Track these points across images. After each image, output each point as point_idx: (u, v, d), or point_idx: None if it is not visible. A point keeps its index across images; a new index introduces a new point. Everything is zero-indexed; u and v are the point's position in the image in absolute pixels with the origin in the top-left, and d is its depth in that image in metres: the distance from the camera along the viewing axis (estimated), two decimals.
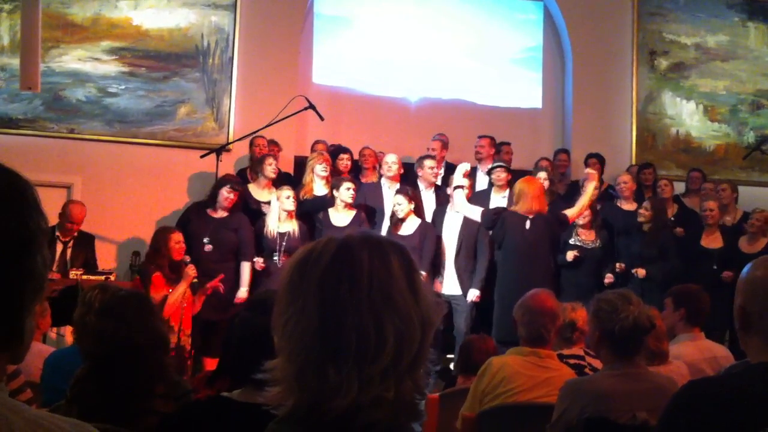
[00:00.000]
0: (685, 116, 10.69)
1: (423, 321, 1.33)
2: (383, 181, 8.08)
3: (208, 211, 7.35)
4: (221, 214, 7.30)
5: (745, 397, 1.88)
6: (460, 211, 7.28)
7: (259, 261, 7.18)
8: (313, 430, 1.29)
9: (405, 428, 1.34)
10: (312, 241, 1.42)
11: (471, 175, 8.11)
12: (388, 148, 8.67)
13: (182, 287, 6.35)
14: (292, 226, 7.23)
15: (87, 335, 2.93)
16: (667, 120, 10.65)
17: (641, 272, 7.45)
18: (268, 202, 7.54)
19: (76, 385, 2.89)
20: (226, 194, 7.25)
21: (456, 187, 7.22)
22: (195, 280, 6.49)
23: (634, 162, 10.10)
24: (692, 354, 4.46)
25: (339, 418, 1.27)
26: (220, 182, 7.38)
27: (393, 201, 7.34)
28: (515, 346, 4.08)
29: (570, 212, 7.14)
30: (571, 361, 4.25)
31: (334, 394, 1.26)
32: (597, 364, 4.06)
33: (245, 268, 7.23)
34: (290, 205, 7.21)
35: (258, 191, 7.89)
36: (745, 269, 2.08)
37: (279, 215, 7.24)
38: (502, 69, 10.57)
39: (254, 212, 7.60)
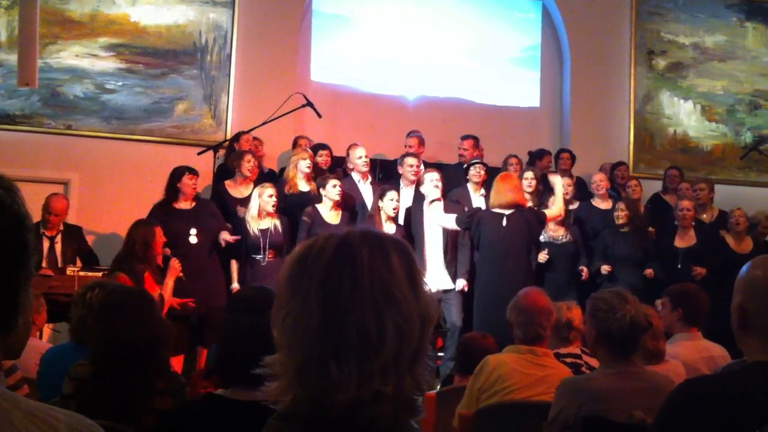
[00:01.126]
0: (683, 116, 10.71)
1: (422, 317, 1.34)
2: (355, 176, 8.02)
3: (175, 205, 7.18)
4: (189, 204, 7.18)
5: (742, 396, 1.89)
6: (439, 224, 7.26)
7: (225, 235, 7.04)
8: (315, 425, 1.30)
9: (405, 424, 1.34)
10: (311, 238, 1.43)
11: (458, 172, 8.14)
12: (385, 147, 8.68)
13: (171, 282, 6.22)
14: (273, 222, 7.09)
15: (89, 335, 2.93)
16: (665, 120, 10.67)
17: (651, 274, 7.50)
18: (244, 199, 7.41)
19: (74, 382, 2.88)
20: (188, 181, 7.12)
21: (432, 201, 7.23)
22: (181, 275, 6.35)
23: (631, 161, 10.11)
24: (689, 353, 4.46)
25: (340, 413, 1.27)
26: (177, 173, 7.21)
27: (389, 197, 7.25)
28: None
29: (549, 212, 7.15)
30: (568, 360, 4.25)
31: (335, 390, 1.27)
32: (594, 362, 4.06)
33: (234, 265, 7.16)
34: (271, 205, 7.05)
35: (234, 188, 7.67)
36: (744, 268, 2.08)
37: (258, 212, 7.07)
38: (501, 68, 10.58)
39: (230, 211, 7.46)
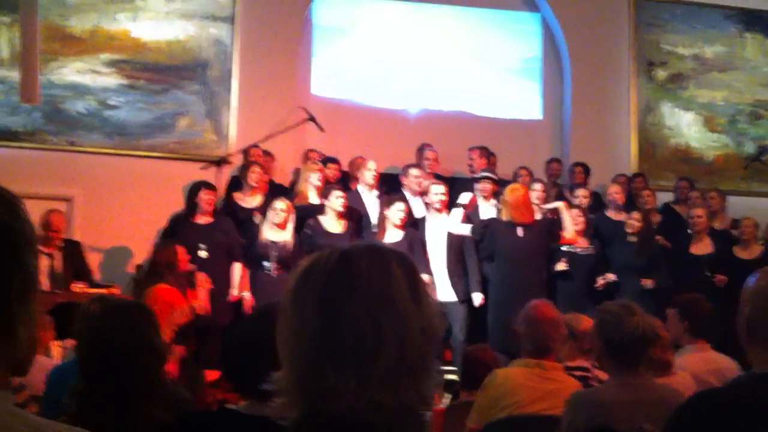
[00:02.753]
0: (684, 127, 10.72)
1: (425, 328, 1.33)
2: (361, 187, 8.08)
3: (193, 219, 7.32)
4: (206, 219, 7.30)
5: (751, 408, 1.87)
6: (454, 228, 7.28)
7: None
8: None
9: None
10: (316, 251, 1.43)
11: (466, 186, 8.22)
12: (387, 160, 8.69)
13: (204, 293, 6.33)
14: (285, 236, 7.18)
15: (83, 345, 2.93)
16: (666, 131, 10.67)
17: (649, 284, 7.46)
18: (256, 209, 7.53)
19: (74, 398, 2.88)
20: (204, 196, 7.26)
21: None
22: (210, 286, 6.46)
23: (633, 172, 10.11)
24: (697, 365, 4.45)
25: (339, 421, 1.27)
26: (194, 188, 7.38)
27: (396, 207, 7.30)
28: (510, 355, 4.08)
29: (565, 236, 7.19)
30: (577, 373, 4.24)
31: (333, 397, 1.27)
32: (603, 375, 4.05)
33: (236, 270, 7.25)
34: (280, 218, 7.15)
35: (242, 197, 7.87)
36: (750, 279, 2.07)
37: (278, 224, 7.21)
38: (502, 80, 10.59)
39: (241, 220, 7.58)
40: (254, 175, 7.80)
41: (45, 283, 6.98)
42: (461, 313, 7.28)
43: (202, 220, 7.31)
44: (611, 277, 7.56)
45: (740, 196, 9.30)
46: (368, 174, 8.04)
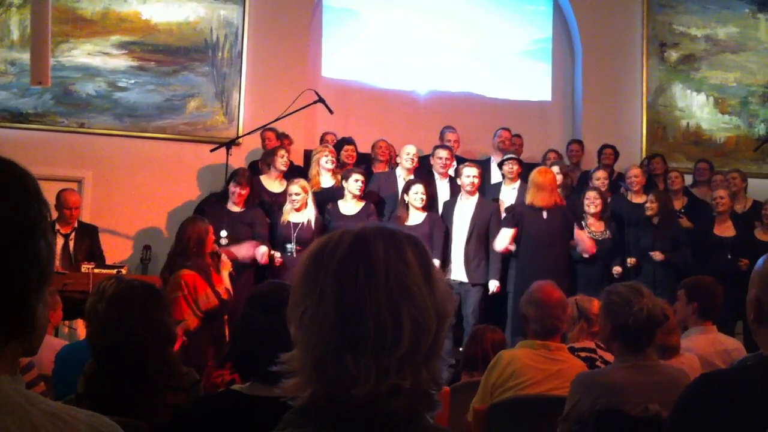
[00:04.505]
0: (696, 108, 10.66)
1: (438, 311, 1.34)
2: (399, 171, 8.10)
3: (224, 204, 7.38)
4: (238, 207, 7.34)
5: (758, 390, 1.87)
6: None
7: (268, 253, 7.14)
8: (332, 419, 1.30)
9: (422, 418, 1.35)
10: (325, 234, 1.43)
11: (484, 167, 8.20)
12: (397, 142, 8.68)
13: (226, 275, 6.22)
14: (306, 217, 7.25)
15: (94, 323, 2.95)
16: (678, 112, 10.62)
17: (658, 256, 7.43)
18: (280, 193, 7.58)
19: (86, 379, 2.90)
20: (233, 189, 7.30)
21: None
22: (232, 271, 6.42)
23: (644, 154, 10.08)
24: (704, 347, 4.44)
25: (358, 407, 1.28)
26: (230, 178, 7.44)
27: (414, 189, 7.32)
28: None
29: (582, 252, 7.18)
30: (583, 354, 4.24)
31: (352, 384, 1.28)
32: (609, 357, 4.06)
33: (261, 248, 7.14)
34: (298, 202, 7.21)
35: (270, 182, 7.93)
36: (761, 261, 2.06)
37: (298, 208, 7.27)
38: (512, 61, 10.56)
39: (267, 203, 7.64)
40: (282, 160, 7.88)
41: (57, 263, 7.02)
42: (475, 297, 7.29)
43: (234, 207, 7.35)
44: (631, 261, 7.53)
45: (751, 178, 9.23)
46: (406, 158, 8.02)
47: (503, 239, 7.14)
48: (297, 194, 7.21)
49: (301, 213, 7.26)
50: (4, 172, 1.20)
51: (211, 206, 7.47)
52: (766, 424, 1.76)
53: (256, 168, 8.32)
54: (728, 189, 8.30)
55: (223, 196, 7.52)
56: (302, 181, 7.35)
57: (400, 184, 7.90)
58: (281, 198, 7.55)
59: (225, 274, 6.23)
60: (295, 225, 7.22)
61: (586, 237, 7.16)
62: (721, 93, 10.72)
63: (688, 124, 10.62)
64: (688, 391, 2.01)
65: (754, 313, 2.03)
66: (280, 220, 7.28)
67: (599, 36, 10.48)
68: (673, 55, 10.68)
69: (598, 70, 10.42)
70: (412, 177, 7.87)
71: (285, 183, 7.62)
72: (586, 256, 7.26)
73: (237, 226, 7.20)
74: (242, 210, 7.34)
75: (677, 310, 4.52)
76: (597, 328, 4.36)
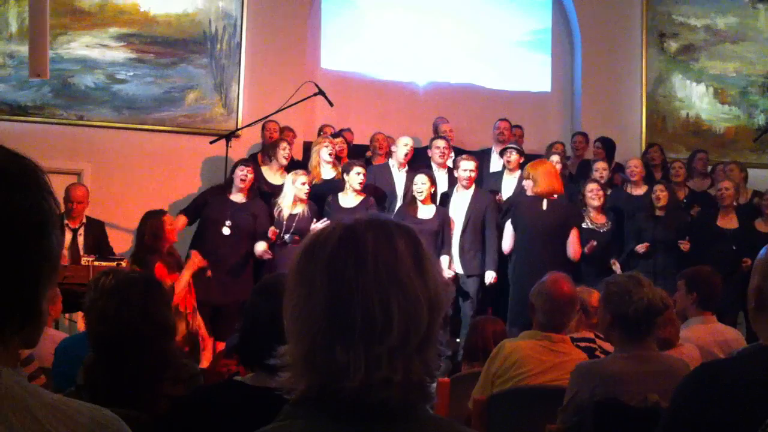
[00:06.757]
0: (695, 99, 10.65)
1: (431, 302, 1.33)
2: (392, 162, 8.09)
3: (227, 194, 7.37)
4: (240, 198, 7.32)
5: (758, 380, 1.87)
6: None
7: (267, 247, 7.13)
8: (326, 410, 1.30)
9: (416, 409, 1.34)
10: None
11: (483, 158, 8.22)
12: (396, 133, 8.67)
13: (187, 275, 6.07)
14: (302, 208, 7.26)
15: (92, 316, 2.95)
16: (677, 102, 10.61)
17: (641, 248, 7.46)
18: (281, 186, 7.57)
19: (86, 371, 2.90)
20: (239, 173, 7.28)
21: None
22: (204, 265, 6.35)
23: (643, 144, 10.07)
24: (703, 337, 4.45)
25: (350, 398, 1.28)
26: (234, 165, 7.45)
27: (416, 181, 7.30)
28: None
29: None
30: (582, 344, 4.25)
31: (343, 375, 1.27)
32: (608, 347, 4.06)
33: (261, 243, 7.16)
34: (303, 192, 7.23)
35: (271, 175, 7.95)
36: (763, 250, 2.06)
37: (293, 200, 7.27)
38: (511, 52, 10.54)
39: (268, 195, 7.64)
40: (284, 153, 7.92)
41: (65, 258, 7.01)
42: (472, 288, 7.29)
43: (236, 197, 7.33)
44: (642, 247, 7.52)
45: (751, 168, 9.21)
46: (401, 151, 7.99)
47: (509, 237, 7.14)
48: (303, 183, 7.23)
49: (298, 204, 7.27)
50: (17, 166, 1.20)
51: (214, 197, 7.46)
52: (765, 412, 1.75)
53: (256, 160, 8.31)
54: (733, 180, 8.25)
55: (224, 187, 7.50)
56: (306, 175, 7.36)
57: (395, 175, 7.91)
58: (281, 190, 7.54)
59: (186, 273, 6.08)
60: (292, 216, 7.23)
61: (576, 242, 7.11)
62: (721, 83, 10.69)
63: (687, 114, 10.60)
64: (686, 380, 2.01)
65: (755, 301, 2.03)
66: (276, 212, 7.27)
67: (598, 27, 10.46)
68: (673, 45, 10.66)
69: (598, 60, 10.40)
70: (405, 169, 7.87)
71: (285, 175, 7.62)
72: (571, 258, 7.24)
73: (239, 216, 7.19)
74: (245, 201, 7.33)
75: (677, 300, 4.52)
76: (596, 320, 4.38)
